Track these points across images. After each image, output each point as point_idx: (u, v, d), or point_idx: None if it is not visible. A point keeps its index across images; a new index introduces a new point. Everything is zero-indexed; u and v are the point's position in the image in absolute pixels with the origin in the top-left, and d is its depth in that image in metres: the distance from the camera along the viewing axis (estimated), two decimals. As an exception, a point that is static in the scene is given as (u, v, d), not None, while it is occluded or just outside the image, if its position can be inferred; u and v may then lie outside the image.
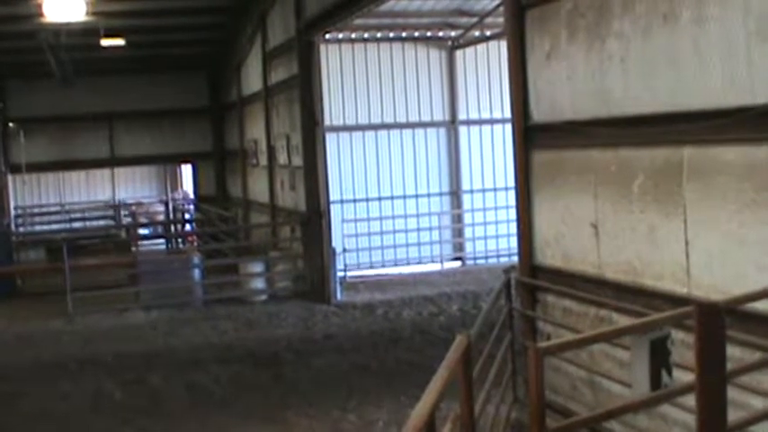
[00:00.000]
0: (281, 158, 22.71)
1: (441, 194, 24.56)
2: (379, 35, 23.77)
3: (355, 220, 23.39)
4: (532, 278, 10.50)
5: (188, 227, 33.72)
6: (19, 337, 17.94)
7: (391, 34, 23.87)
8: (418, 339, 15.83)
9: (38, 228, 34.88)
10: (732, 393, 5.63)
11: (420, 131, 24.31)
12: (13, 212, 31.63)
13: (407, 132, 24.19)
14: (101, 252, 26.02)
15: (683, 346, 6.62)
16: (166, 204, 37.55)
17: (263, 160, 24.99)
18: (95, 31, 23.63)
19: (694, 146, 7.63)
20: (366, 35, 23.64)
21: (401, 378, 13.12)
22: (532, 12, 10.17)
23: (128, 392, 13.48)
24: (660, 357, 5.33)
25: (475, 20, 23.24)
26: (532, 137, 10.37)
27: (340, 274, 20.97)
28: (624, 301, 8.66)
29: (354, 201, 23.67)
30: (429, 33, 24.23)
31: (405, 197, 24.08)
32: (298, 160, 20.93)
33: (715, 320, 5.24)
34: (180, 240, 31.49)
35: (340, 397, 12.46)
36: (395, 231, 23.63)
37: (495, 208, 24.23)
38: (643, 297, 8.36)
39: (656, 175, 8.13)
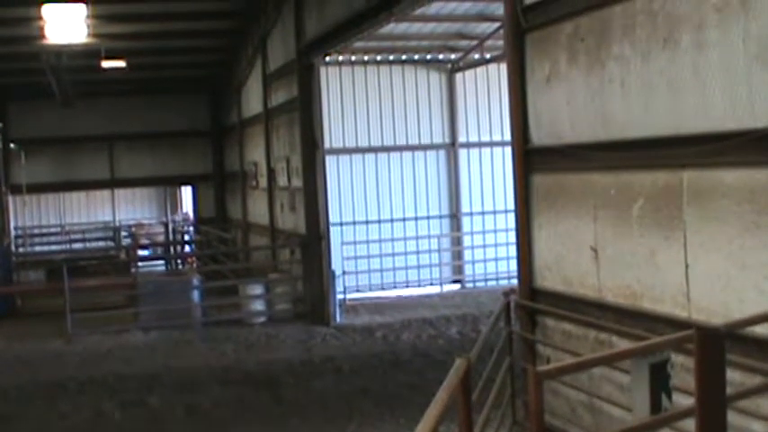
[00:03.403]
0: (281, 181, 22.72)
1: (440, 217, 24.57)
2: (379, 58, 23.84)
3: (355, 243, 23.37)
4: (532, 301, 10.49)
5: (188, 248, 33.71)
6: (18, 358, 17.89)
7: (391, 57, 23.95)
8: (418, 362, 15.79)
9: (38, 248, 34.83)
10: (732, 417, 5.62)
11: (420, 154, 24.34)
12: (13, 233, 31.62)
13: (407, 155, 24.23)
14: (100, 273, 26.00)
15: (683, 369, 6.61)
16: (166, 226, 37.51)
17: (263, 182, 25.00)
18: (96, 52, 23.72)
19: (694, 169, 7.64)
20: (366, 58, 23.71)
21: (401, 401, 13.09)
22: (532, 35, 10.20)
23: (127, 414, 13.44)
24: (660, 381, 5.33)
25: (475, 43, 23.33)
26: (532, 160, 10.38)
27: (339, 296, 20.94)
28: (624, 325, 8.65)
29: (354, 223, 23.68)
30: (429, 56, 24.31)
31: (404, 220, 24.09)
32: (298, 182, 20.94)
33: (715, 344, 5.23)
34: (180, 262, 31.46)
35: (340, 420, 12.42)
36: (394, 254, 23.62)
37: (495, 231, 24.24)
38: (643, 321, 8.35)
39: (657, 198, 8.14)
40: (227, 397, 14.06)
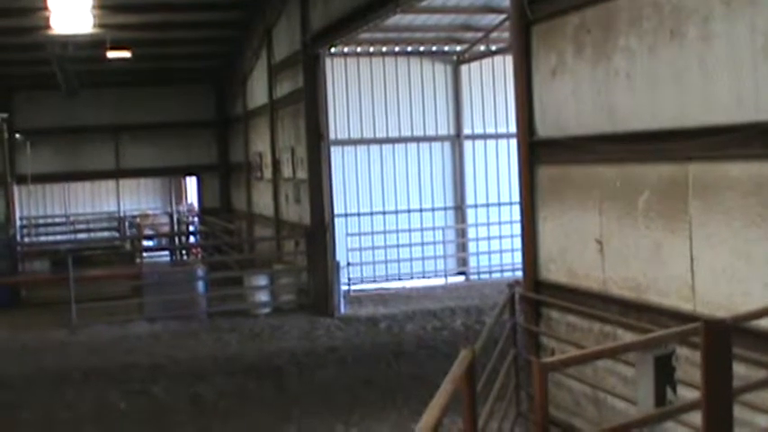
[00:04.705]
0: (286, 172, 22.73)
1: (445, 209, 24.55)
2: (384, 49, 23.79)
3: (359, 234, 23.36)
4: (536, 293, 10.49)
5: (192, 239, 33.75)
6: (23, 347, 17.93)
7: (397, 48, 23.90)
8: (422, 354, 15.80)
9: (43, 238, 34.91)
10: (737, 411, 5.61)
11: (425, 145, 24.32)
12: (18, 223, 31.65)
13: (412, 146, 24.21)
14: (105, 263, 26.04)
15: (687, 362, 6.60)
16: (171, 216, 37.58)
17: (268, 173, 25.00)
18: (102, 43, 23.73)
19: (700, 162, 7.63)
20: (372, 49, 23.66)
21: (404, 392, 13.09)
22: (539, 27, 10.18)
23: (131, 403, 13.47)
24: (665, 374, 5.32)
25: (480, 35, 23.28)
26: (537, 152, 10.37)
27: (344, 287, 20.94)
28: (629, 318, 8.64)
29: (359, 214, 23.67)
30: (435, 48, 24.24)
31: (409, 211, 24.07)
32: (302, 173, 20.94)
33: (722, 338, 5.22)
34: (184, 252, 31.50)
35: (343, 410, 12.43)
36: (399, 245, 23.61)
37: (500, 223, 24.21)
38: (648, 313, 8.35)
39: (662, 191, 8.13)
40: (231, 387, 14.09)
